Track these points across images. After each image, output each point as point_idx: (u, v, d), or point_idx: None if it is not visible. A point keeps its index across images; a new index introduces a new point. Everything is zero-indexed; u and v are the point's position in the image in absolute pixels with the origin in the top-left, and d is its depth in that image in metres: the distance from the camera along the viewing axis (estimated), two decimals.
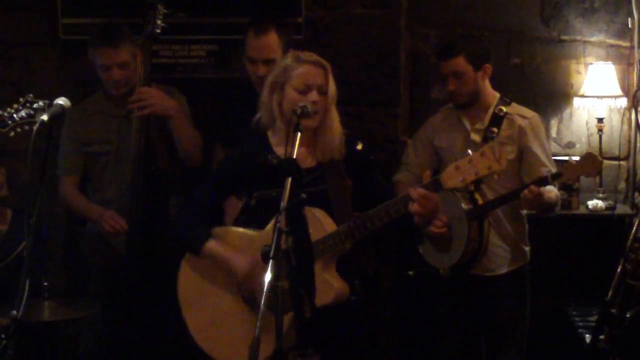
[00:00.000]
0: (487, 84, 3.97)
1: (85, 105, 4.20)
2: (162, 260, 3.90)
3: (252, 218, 3.35)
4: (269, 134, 3.35)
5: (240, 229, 3.35)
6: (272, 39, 3.82)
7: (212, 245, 3.30)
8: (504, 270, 3.98)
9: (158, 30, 3.95)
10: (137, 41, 3.98)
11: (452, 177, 3.05)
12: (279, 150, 3.21)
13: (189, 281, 3.40)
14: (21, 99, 3.17)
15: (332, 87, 3.24)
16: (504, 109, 3.95)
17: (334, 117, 3.28)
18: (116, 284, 3.96)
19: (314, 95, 3.18)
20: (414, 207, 3.12)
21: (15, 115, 3.09)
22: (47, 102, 3.20)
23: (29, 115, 3.11)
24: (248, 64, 3.87)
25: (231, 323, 3.30)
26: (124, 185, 4.00)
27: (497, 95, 4.01)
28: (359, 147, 3.37)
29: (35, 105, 3.09)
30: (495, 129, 3.92)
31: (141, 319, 3.89)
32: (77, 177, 4.16)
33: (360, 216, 3.16)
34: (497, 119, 3.94)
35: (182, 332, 3.40)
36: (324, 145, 3.27)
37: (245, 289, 3.27)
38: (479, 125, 3.97)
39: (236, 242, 3.31)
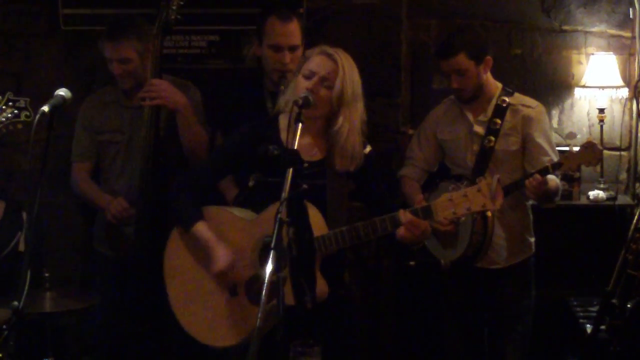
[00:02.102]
0: (489, 76, 3.96)
1: (101, 93, 4.22)
2: None
3: (249, 200, 3.34)
4: (281, 117, 3.35)
5: (235, 212, 3.34)
6: (296, 26, 3.83)
7: (200, 227, 3.28)
8: (509, 262, 3.96)
9: (172, 21, 3.93)
10: (150, 32, 3.97)
11: (444, 208, 3.03)
12: (285, 135, 3.20)
13: (177, 252, 3.39)
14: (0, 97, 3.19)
15: (343, 88, 3.18)
16: (507, 99, 3.93)
17: (348, 125, 3.22)
18: (125, 275, 3.97)
19: (311, 83, 3.18)
20: (400, 231, 3.11)
21: (0, 117, 3.11)
22: (27, 99, 3.23)
23: (14, 115, 3.14)
24: (270, 52, 3.82)
25: (210, 303, 3.30)
26: (134, 176, 4.01)
27: (500, 85, 3.99)
28: (366, 150, 3.33)
29: (17, 104, 3.11)
30: (498, 120, 3.91)
31: (147, 311, 3.90)
32: (89, 164, 4.18)
33: (349, 227, 3.14)
34: (501, 110, 3.92)
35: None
36: (338, 150, 3.25)
37: (220, 280, 3.26)
38: (482, 117, 3.95)
39: (228, 226, 3.30)
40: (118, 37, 3.95)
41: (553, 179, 3.74)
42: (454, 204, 2.99)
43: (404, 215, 3.08)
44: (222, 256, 3.21)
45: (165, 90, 3.88)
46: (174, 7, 3.89)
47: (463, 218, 3.30)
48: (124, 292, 3.94)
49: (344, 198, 3.31)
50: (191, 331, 3.33)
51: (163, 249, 3.43)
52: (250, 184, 3.32)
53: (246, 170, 3.35)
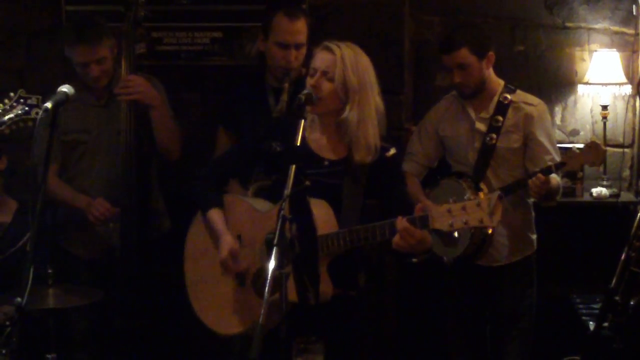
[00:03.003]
0: (491, 72, 3.96)
1: None
2: (156, 248, 3.94)
3: (269, 195, 3.35)
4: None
5: (252, 203, 3.35)
6: (303, 24, 3.84)
7: (214, 214, 3.32)
8: (510, 259, 3.97)
9: (141, 17, 3.92)
10: (120, 29, 3.96)
11: (441, 219, 2.97)
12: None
13: (197, 234, 3.42)
14: (12, 94, 3.18)
15: (345, 77, 3.15)
16: (509, 96, 3.93)
17: (357, 114, 3.17)
18: (108, 275, 3.95)
19: (314, 79, 3.17)
20: (395, 238, 3.05)
21: (11, 113, 3.11)
22: (39, 97, 3.22)
23: (24, 112, 3.14)
24: (276, 49, 3.82)
25: (218, 290, 3.32)
26: (100, 175, 4.01)
27: (502, 82, 3.99)
28: (390, 153, 3.29)
29: (29, 102, 3.10)
30: (500, 118, 3.91)
31: (137, 308, 3.89)
32: (56, 166, 4.07)
33: (350, 229, 3.11)
34: (502, 107, 3.92)
35: (178, 319, 3.40)
36: (351, 140, 3.20)
37: (226, 268, 3.27)
38: (484, 114, 3.95)
39: (243, 216, 3.32)
40: (93, 39, 3.91)
41: (554, 177, 3.74)
42: (452, 215, 2.95)
43: (400, 223, 3.03)
44: (225, 244, 3.24)
45: (141, 86, 3.89)
46: (141, 4, 3.90)
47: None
48: (112, 292, 3.90)
49: (359, 200, 3.28)
50: (200, 314, 3.37)
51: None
52: (272, 179, 3.33)
53: (259, 167, 3.37)
